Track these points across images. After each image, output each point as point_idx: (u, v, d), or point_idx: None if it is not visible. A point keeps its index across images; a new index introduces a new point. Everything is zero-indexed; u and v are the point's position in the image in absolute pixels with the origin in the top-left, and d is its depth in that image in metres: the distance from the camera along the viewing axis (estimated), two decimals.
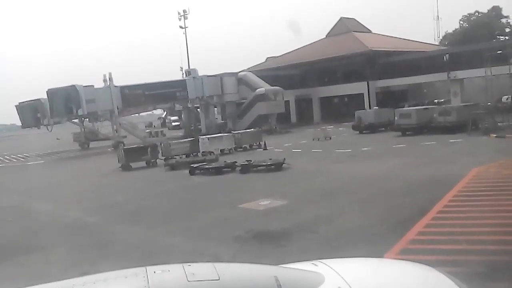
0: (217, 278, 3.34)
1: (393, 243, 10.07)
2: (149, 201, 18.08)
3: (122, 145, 37.88)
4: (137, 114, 62.09)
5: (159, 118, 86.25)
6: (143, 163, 28.67)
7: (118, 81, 47.02)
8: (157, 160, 29.06)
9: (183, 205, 16.82)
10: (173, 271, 3.47)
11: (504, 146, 23.77)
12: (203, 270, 3.54)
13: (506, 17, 66.07)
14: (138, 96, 48.17)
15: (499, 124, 30.64)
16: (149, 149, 29.47)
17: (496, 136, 27.31)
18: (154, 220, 14.67)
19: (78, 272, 8.27)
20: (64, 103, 43.58)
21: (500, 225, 10.70)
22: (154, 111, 69.09)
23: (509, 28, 65.20)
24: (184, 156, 29.32)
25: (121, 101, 46.51)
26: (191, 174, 23.54)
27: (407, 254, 8.99)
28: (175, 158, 28.79)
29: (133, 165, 28.07)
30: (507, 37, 62.99)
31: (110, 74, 45.65)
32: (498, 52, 38.65)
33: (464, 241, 9.84)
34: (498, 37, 64.28)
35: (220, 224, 13.39)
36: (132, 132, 50.61)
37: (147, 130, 62.31)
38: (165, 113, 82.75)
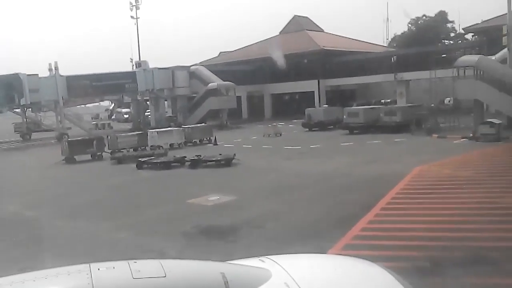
0: (164, 275, 3.27)
1: (337, 238, 10.28)
2: (93, 195, 17.52)
3: (66, 137, 36.48)
4: (83, 105, 60.16)
5: (106, 110, 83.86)
6: (88, 156, 27.76)
7: (66, 71, 45.37)
8: (103, 154, 28.23)
9: (129, 199, 16.43)
10: (118, 268, 3.35)
11: (445, 146, 24.85)
12: (149, 267, 3.45)
13: (451, 22, 69.09)
14: (84, 87, 46.58)
15: (441, 125, 32.02)
16: (94, 142, 28.58)
17: (438, 137, 28.51)
18: (98, 215, 14.24)
19: (14, 269, 7.87)
20: (5, 91, 41.50)
21: (438, 222, 11.17)
22: (101, 102, 67.22)
23: (454, 32, 68.11)
24: (131, 150, 28.67)
25: (66, 91, 44.79)
26: (139, 168, 23.04)
27: (351, 250, 9.22)
28: (122, 151, 28.10)
29: (78, 158, 27.13)
30: (451, 42, 65.85)
31: (55, 63, 43.91)
32: (443, 55, 40.39)
33: (404, 237, 10.19)
34: (443, 41, 67.07)
35: (167, 219, 13.19)
36: (77, 124, 48.91)
37: (93, 122, 60.38)
38: (113, 105, 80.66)
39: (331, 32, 65.96)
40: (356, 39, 65.11)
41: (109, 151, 28.32)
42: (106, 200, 16.63)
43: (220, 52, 73.36)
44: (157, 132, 31.73)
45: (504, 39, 30.90)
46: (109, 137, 30.02)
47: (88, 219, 13.73)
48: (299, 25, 63.70)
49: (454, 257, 8.93)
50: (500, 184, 15.06)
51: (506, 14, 30.88)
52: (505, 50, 31.05)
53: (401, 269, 6.92)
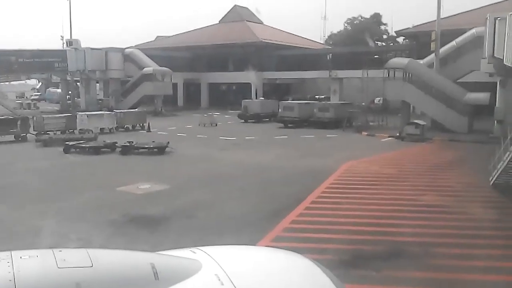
0: (90, 265, 3.15)
1: (268, 230, 10.46)
2: (17, 178, 16.58)
3: None
4: (7, 83, 56.57)
5: (33, 89, 79.42)
6: (11, 137, 26.20)
7: None
8: (27, 135, 26.76)
9: (55, 185, 15.72)
10: (42, 257, 3.19)
11: (373, 144, 25.95)
12: (74, 256, 3.30)
13: (385, 24, 71.86)
14: (9, 63, 43.83)
15: (370, 123, 33.36)
16: (18, 122, 27.00)
17: (367, 134, 29.70)
18: (21, 200, 13.49)
19: None
20: None
21: (364, 217, 11.67)
22: (28, 81, 63.54)
23: (387, 35, 70.92)
24: (59, 133, 27.39)
25: None
26: (66, 152, 22.07)
27: (280, 242, 9.41)
28: (49, 134, 26.77)
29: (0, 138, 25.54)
30: (384, 43, 68.58)
31: None
32: (375, 56, 41.96)
33: (332, 230, 10.55)
34: (376, 42, 69.70)
35: (95, 206, 12.75)
36: (0, 102, 45.97)
37: (18, 101, 56.99)
38: (40, 84, 76.55)
39: (270, 25, 66.45)
40: (295, 34, 66.07)
41: (35, 132, 26.88)
42: (29, 184, 15.78)
43: (157, 37, 71.65)
44: (87, 115, 30.53)
45: (432, 44, 32.65)
46: (35, 118, 28.47)
47: (8, 204, 12.97)
48: (239, 15, 63.57)
49: (376, 251, 9.38)
50: (421, 182, 15.97)
51: (435, 21, 32.66)
52: (433, 55, 32.83)
53: (327, 261, 7.18)
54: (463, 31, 32.42)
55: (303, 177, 16.53)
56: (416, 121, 28.29)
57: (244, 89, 52.61)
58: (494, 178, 14.64)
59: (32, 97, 65.85)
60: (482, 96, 29.54)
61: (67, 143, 22.94)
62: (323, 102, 40.51)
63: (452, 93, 30.29)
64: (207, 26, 65.65)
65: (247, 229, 10.69)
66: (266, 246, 8.60)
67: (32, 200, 13.43)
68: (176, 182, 15.85)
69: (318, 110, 34.89)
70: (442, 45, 32.53)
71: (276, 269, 4.20)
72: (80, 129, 28.48)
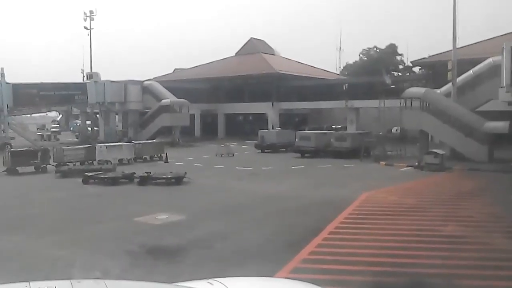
0: None
1: (286, 261, 10.30)
2: (36, 209, 16.73)
3: (9, 147, 34.89)
4: (28, 115, 57.85)
5: (53, 121, 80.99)
6: (31, 168, 26.62)
7: (13, 79, 43.66)
8: (47, 166, 27.15)
9: (73, 215, 15.81)
10: None
11: (391, 174, 25.66)
12: (92, 287, 3.28)
13: (401, 55, 72.07)
14: (31, 96, 44.97)
15: (388, 152, 33.08)
16: (39, 153, 27.47)
17: (385, 164, 29.42)
18: (40, 230, 13.58)
19: None
20: None
21: (384, 248, 11.43)
22: (48, 113, 64.87)
23: (402, 65, 71.04)
24: (78, 164, 27.74)
25: (12, 99, 43.07)
26: (84, 183, 22.28)
27: (299, 273, 9.24)
28: (68, 165, 27.13)
29: (21, 170, 25.96)
30: (399, 74, 68.68)
31: (2, 69, 42.20)
32: (392, 86, 41.98)
33: (351, 261, 10.35)
34: (392, 72, 69.84)
35: (113, 237, 12.76)
36: (22, 134, 46.89)
37: (39, 133, 58.08)
38: (61, 116, 78.06)
39: (286, 57, 67.22)
40: (310, 65, 66.66)
41: (54, 164, 27.28)
42: (48, 215, 15.90)
43: (175, 69, 72.96)
44: (106, 146, 30.92)
45: (449, 74, 32.57)
46: (55, 149, 28.93)
47: (28, 234, 13.05)
48: (255, 47, 64.57)
49: (396, 283, 9.14)
50: (442, 212, 15.65)
51: (451, 50, 32.68)
52: (450, 84, 32.71)
53: None
54: (479, 60, 32.33)
55: (321, 207, 16.35)
56: (435, 150, 27.99)
57: (260, 120, 52.90)
58: None
59: (52, 129, 67.05)
60: (501, 125, 29.16)
61: (86, 174, 23.19)
62: (340, 132, 40.46)
63: (471, 122, 30.00)
64: (224, 59, 66.73)
65: (264, 260, 10.54)
66: (285, 278, 8.46)
67: (51, 230, 13.50)
68: (193, 212, 15.82)
69: (335, 139, 34.79)
70: (459, 74, 32.44)
71: None
72: (99, 160, 28.84)
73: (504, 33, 42.94)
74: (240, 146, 41.92)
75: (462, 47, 37.45)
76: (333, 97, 50.07)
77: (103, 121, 52.25)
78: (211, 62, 66.40)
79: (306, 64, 66.09)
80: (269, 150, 38.29)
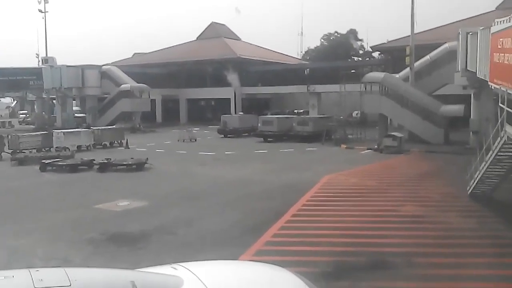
0: (69, 284, 3.06)
1: (250, 244, 10.37)
2: None
3: None
4: None
5: (7, 107, 77.96)
6: None
7: None
8: (2, 154, 26.16)
9: (31, 204, 15.34)
10: (18, 277, 3.10)
11: (352, 157, 26.14)
12: (52, 275, 3.21)
13: (361, 40, 73.21)
14: None
15: (349, 136, 33.66)
16: None
17: (346, 147, 29.93)
18: None
19: None
20: None
21: (345, 229, 11.69)
22: (1, 99, 62.39)
23: (362, 50, 72.18)
24: (35, 151, 26.85)
25: None
26: (42, 171, 21.62)
27: (262, 256, 9.34)
28: (24, 152, 26.22)
29: None
30: (360, 58, 69.76)
31: None
32: (352, 71, 42.60)
33: (313, 243, 10.53)
34: (353, 57, 70.83)
35: (72, 225, 12.48)
36: None
37: None
38: (15, 102, 75.28)
39: (248, 41, 66.92)
40: (272, 50, 66.64)
41: (10, 151, 26.31)
42: (5, 204, 15.35)
43: (135, 53, 71.37)
44: (64, 132, 30.03)
45: (407, 59, 33.29)
46: (9, 136, 27.89)
47: None
48: (216, 32, 63.89)
49: (358, 262, 9.38)
50: (400, 193, 16.12)
51: (409, 36, 33.38)
52: (408, 69, 33.47)
53: (310, 273, 7.13)
54: (437, 46, 33.18)
55: (284, 191, 16.51)
56: (393, 133, 28.67)
57: (223, 105, 52.65)
58: (471, 188, 14.87)
59: (21, 116, 64.03)
60: (456, 108, 30.15)
61: (43, 161, 22.49)
62: (302, 116, 40.74)
63: (428, 106, 30.86)
64: (185, 43, 65.78)
65: (228, 244, 10.59)
66: (248, 260, 8.52)
67: (8, 220, 13.06)
68: (156, 198, 15.65)
69: (297, 124, 35.05)
70: (417, 59, 33.21)
71: (259, 283, 4.14)
72: (56, 147, 28.00)
73: (461, 19, 44.18)
74: (202, 131, 41.67)
75: (420, 32, 38.29)
76: (295, 82, 50.34)
77: (60, 107, 50.64)
78: (172, 47, 65.32)
79: (268, 49, 66.05)
80: (232, 135, 38.20)
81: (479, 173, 14.12)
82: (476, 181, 14.47)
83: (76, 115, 51.71)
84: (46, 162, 22.37)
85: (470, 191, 14.94)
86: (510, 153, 12.54)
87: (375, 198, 15.24)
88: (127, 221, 12.86)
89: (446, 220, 12.57)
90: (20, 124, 55.02)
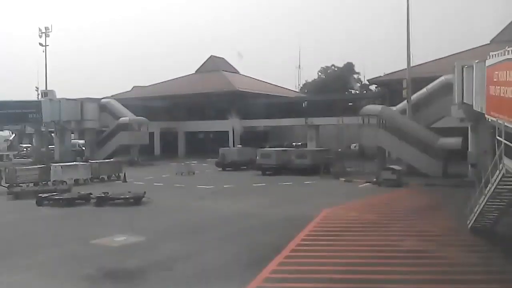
0: None
1: (249, 280, 10.18)
2: None
3: None
4: None
5: (5, 141, 77.82)
6: None
7: None
8: None
9: (27, 239, 15.13)
10: None
11: (351, 190, 26.01)
12: None
13: (358, 73, 74.03)
14: None
15: (347, 169, 33.59)
16: None
17: (344, 180, 29.81)
18: None
19: None
20: None
21: (345, 264, 11.50)
22: (0, 132, 62.31)
23: (359, 83, 72.88)
24: (32, 185, 26.69)
25: None
26: (39, 205, 21.42)
27: None
28: (21, 186, 26.06)
29: None
30: (357, 91, 70.38)
31: None
32: (349, 104, 42.90)
33: (313, 279, 10.33)
34: (350, 90, 71.46)
35: (69, 260, 12.28)
36: None
37: None
38: (14, 135, 75.21)
39: (246, 75, 67.64)
40: (270, 82, 67.28)
41: (6, 185, 26.15)
42: (0, 239, 15.16)
43: (134, 87, 71.84)
44: (61, 166, 29.93)
45: (404, 91, 33.60)
46: (6, 170, 27.77)
47: None
48: (215, 65, 64.69)
49: None
50: (400, 228, 15.95)
51: (405, 69, 33.79)
52: (405, 102, 33.72)
53: None
54: (433, 78, 33.52)
55: (283, 225, 16.35)
56: (392, 166, 28.61)
57: (221, 137, 52.72)
58: (471, 222, 14.73)
59: (24, 150, 63.91)
60: (454, 141, 30.23)
61: (40, 195, 22.31)
62: (300, 149, 40.78)
63: (425, 138, 30.96)
64: (184, 76, 66.46)
65: (227, 280, 10.39)
66: None
67: (4, 255, 12.84)
68: (153, 233, 15.46)
69: (295, 157, 35.03)
70: (414, 92, 33.51)
71: None
72: (54, 181, 27.85)
73: (457, 52, 44.84)
74: (201, 164, 41.59)
75: (417, 65, 38.78)
76: (293, 115, 50.61)
77: (58, 140, 50.64)
78: (170, 80, 65.95)
79: (266, 82, 66.70)
80: (230, 168, 38.10)
81: (478, 207, 14.01)
82: (476, 215, 14.35)
83: (82, 147, 51.62)
84: (43, 196, 22.20)
85: (470, 225, 14.80)
86: (510, 186, 12.47)
87: (375, 233, 15.08)
88: (124, 256, 12.67)
89: (447, 255, 12.39)
90: (15, 158, 54.87)
